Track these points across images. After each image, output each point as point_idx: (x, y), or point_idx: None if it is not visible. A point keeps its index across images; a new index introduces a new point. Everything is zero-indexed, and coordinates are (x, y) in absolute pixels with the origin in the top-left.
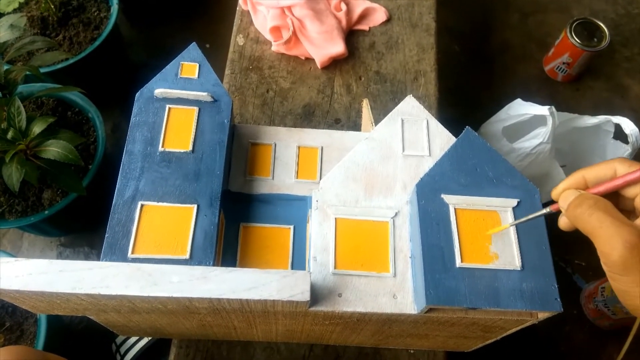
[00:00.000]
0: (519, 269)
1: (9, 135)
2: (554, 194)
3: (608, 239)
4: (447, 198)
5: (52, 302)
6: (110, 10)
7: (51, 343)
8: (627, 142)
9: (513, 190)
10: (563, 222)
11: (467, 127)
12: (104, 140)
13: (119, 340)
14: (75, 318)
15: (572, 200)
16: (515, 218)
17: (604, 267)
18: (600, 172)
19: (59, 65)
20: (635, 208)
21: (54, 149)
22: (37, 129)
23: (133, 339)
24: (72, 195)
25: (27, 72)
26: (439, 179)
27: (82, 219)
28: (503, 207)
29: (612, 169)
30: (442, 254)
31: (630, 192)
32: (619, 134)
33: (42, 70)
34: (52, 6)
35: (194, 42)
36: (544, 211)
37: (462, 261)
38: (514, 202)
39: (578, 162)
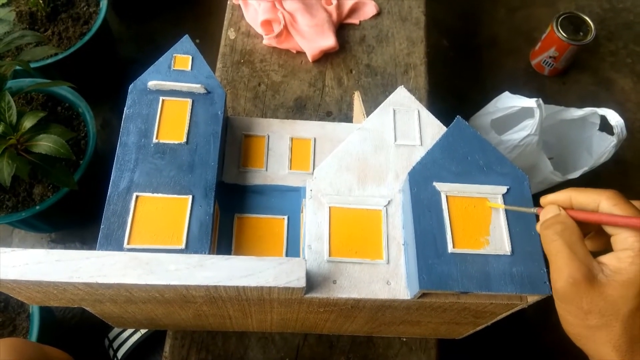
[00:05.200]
0: (509, 254)
1: (0, 130)
2: (543, 201)
3: (558, 268)
4: (439, 186)
5: (49, 292)
6: (99, 5)
7: (44, 338)
8: (612, 134)
9: (503, 178)
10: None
11: (457, 116)
12: (94, 134)
13: (112, 335)
14: (67, 313)
15: (547, 218)
16: (505, 204)
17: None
18: (586, 200)
19: (49, 60)
20: (611, 244)
21: (45, 144)
22: (27, 123)
23: (126, 334)
24: (63, 190)
25: (17, 67)
26: (430, 167)
27: (73, 214)
28: (493, 194)
29: (597, 202)
30: (435, 240)
31: (609, 228)
32: (605, 126)
33: (31, 65)
34: (41, 1)
35: (187, 35)
36: (532, 210)
37: (454, 247)
38: (503, 189)
39: (565, 154)
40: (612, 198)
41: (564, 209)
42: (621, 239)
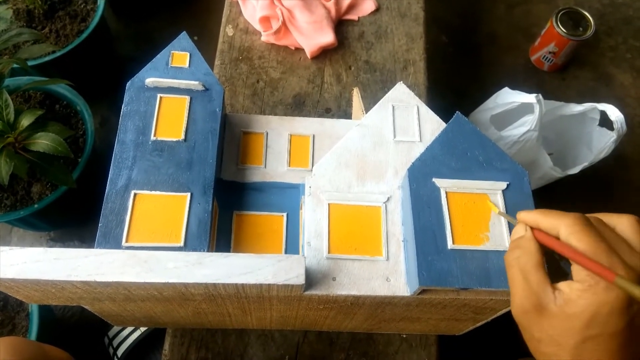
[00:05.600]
0: None
1: None
2: (517, 217)
3: (512, 295)
4: (438, 182)
5: (47, 291)
6: (96, 2)
7: (43, 337)
8: (612, 129)
9: (503, 174)
10: None
11: (457, 112)
12: (92, 132)
13: (111, 333)
14: (67, 312)
15: (513, 239)
16: (505, 200)
17: None
18: (548, 225)
19: (46, 58)
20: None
21: (43, 142)
22: (25, 121)
23: (125, 332)
24: (61, 188)
25: (14, 65)
26: (430, 164)
27: (71, 213)
28: (493, 190)
29: (557, 229)
30: (434, 236)
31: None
32: (605, 122)
33: (29, 63)
34: None
35: (184, 32)
36: (515, 221)
37: (453, 243)
38: (503, 184)
39: (565, 149)
40: (570, 225)
41: (532, 228)
42: (576, 269)
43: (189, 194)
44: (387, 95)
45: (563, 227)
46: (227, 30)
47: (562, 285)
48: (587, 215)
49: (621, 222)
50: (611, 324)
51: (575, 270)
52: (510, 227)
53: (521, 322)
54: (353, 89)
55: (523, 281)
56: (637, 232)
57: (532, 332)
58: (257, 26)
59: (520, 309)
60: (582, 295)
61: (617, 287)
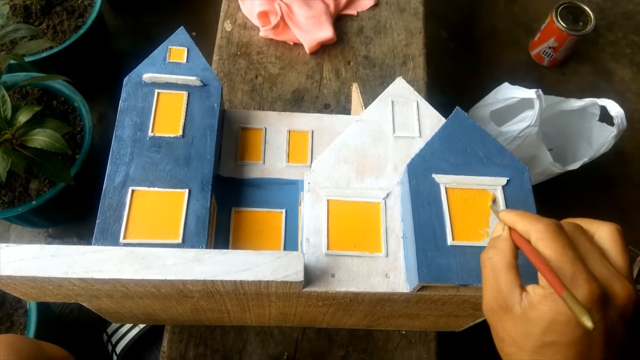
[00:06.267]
0: None
1: None
2: (500, 215)
3: (483, 292)
4: (438, 177)
5: (44, 288)
6: None
7: (41, 334)
8: (612, 124)
9: (503, 169)
10: None
11: (457, 107)
12: (90, 129)
13: (110, 330)
14: (65, 309)
15: (491, 238)
16: (505, 196)
17: None
18: (522, 228)
19: (44, 54)
20: None
21: (41, 138)
22: (23, 118)
23: (124, 329)
24: (59, 185)
25: (11, 61)
26: (429, 159)
27: (70, 209)
28: (493, 186)
29: (529, 233)
30: (434, 232)
31: None
32: (605, 117)
33: (26, 59)
34: None
35: (182, 27)
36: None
37: (453, 239)
38: (503, 180)
39: (565, 145)
40: (540, 231)
41: (511, 229)
42: (541, 275)
43: (187, 191)
44: (386, 90)
45: (534, 232)
46: (225, 25)
47: (529, 288)
48: (569, 219)
49: (601, 230)
50: (568, 332)
51: (541, 275)
52: None
53: (489, 321)
54: (352, 85)
55: (493, 280)
56: (614, 241)
57: (498, 331)
58: (256, 21)
59: (489, 308)
60: (542, 301)
61: (564, 302)
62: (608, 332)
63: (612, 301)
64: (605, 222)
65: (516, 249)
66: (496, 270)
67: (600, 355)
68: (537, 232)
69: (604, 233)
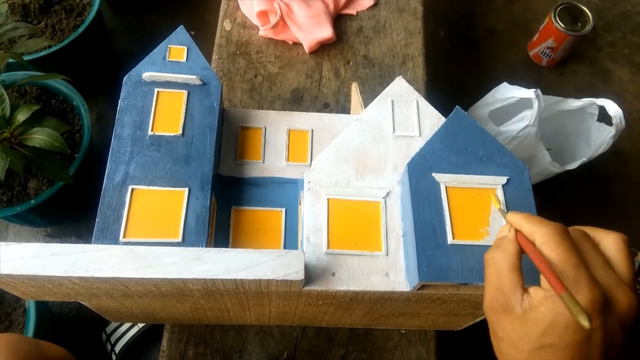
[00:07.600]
0: None
1: None
2: (507, 217)
3: (485, 291)
4: (438, 177)
5: (44, 287)
6: None
7: (40, 333)
8: (610, 124)
9: (503, 168)
10: None
11: (457, 106)
12: (89, 128)
13: (109, 329)
14: (64, 308)
15: (497, 238)
16: (505, 195)
17: None
18: (527, 230)
19: (42, 53)
20: None
21: (40, 137)
22: (21, 116)
23: (123, 328)
24: (58, 184)
25: (10, 60)
26: (429, 158)
27: (68, 208)
28: (493, 185)
29: (534, 236)
30: (434, 231)
31: None
32: (603, 117)
33: (25, 57)
34: None
35: (182, 25)
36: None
37: (453, 238)
38: (503, 179)
39: (563, 144)
40: (546, 235)
41: (517, 230)
42: (543, 277)
43: (186, 189)
44: (386, 89)
45: (539, 234)
46: (224, 24)
47: (531, 289)
48: (578, 227)
49: (607, 239)
50: (566, 336)
51: (543, 277)
52: None
53: (489, 319)
54: (351, 84)
55: (496, 280)
56: (619, 251)
57: (496, 330)
58: (255, 20)
59: (490, 307)
60: (543, 302)
61: (563, 303)
62: (607, 339)
63: (613, 309)
64: (611, 231)
65: (521, 251)
66: (500, 270)
67: None
68: (542, 235)
69: (609, 242)
